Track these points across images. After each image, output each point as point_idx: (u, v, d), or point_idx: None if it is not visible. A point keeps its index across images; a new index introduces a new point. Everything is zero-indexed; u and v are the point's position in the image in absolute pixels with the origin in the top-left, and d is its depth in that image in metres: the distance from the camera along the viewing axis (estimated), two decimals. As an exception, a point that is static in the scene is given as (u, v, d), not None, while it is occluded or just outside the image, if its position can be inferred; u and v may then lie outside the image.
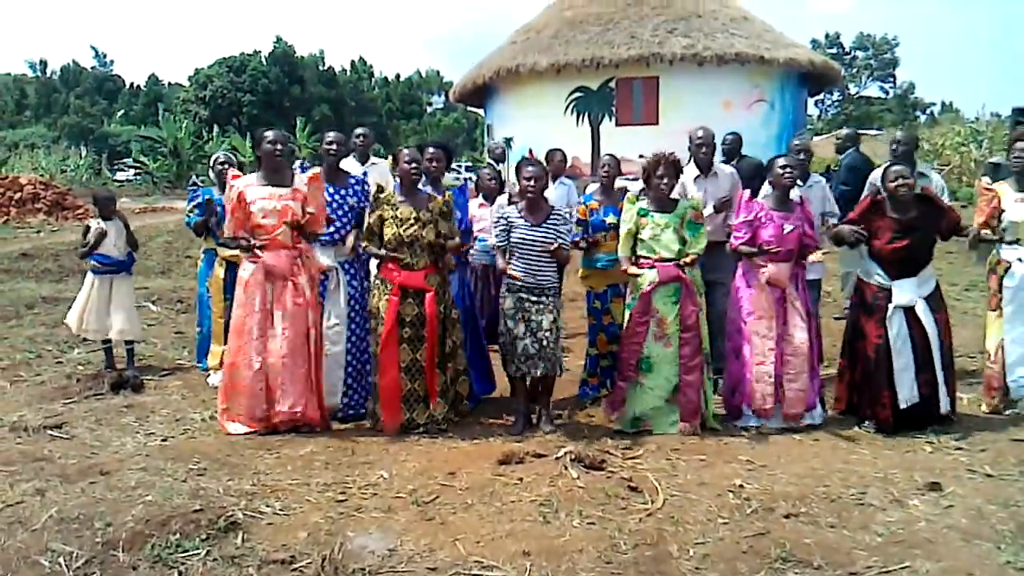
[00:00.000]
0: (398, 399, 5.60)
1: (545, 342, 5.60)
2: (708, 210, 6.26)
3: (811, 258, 5.82)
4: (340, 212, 5.96)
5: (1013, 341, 5.82)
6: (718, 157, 6.75)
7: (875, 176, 7.38)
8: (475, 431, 5.68)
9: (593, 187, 6.71)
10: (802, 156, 6.85)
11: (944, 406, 5.50)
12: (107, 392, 6.54)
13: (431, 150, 6.19)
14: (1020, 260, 5.80)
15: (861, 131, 19.85)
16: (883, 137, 19.94)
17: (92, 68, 69.70)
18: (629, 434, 5.60)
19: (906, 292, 5.49)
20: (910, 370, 5.47)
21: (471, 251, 6.75)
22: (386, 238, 5.54)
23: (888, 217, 5.56)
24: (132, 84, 66.60)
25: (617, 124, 23.29)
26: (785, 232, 5.60)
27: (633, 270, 5.65)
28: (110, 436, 5.49)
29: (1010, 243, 5.86)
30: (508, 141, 24.34)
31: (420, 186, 5.85)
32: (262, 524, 4.06)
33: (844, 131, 9.84)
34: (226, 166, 7.00)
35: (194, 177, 24.70)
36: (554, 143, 9.66)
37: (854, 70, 63.26)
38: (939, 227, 5.63)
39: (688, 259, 5.57)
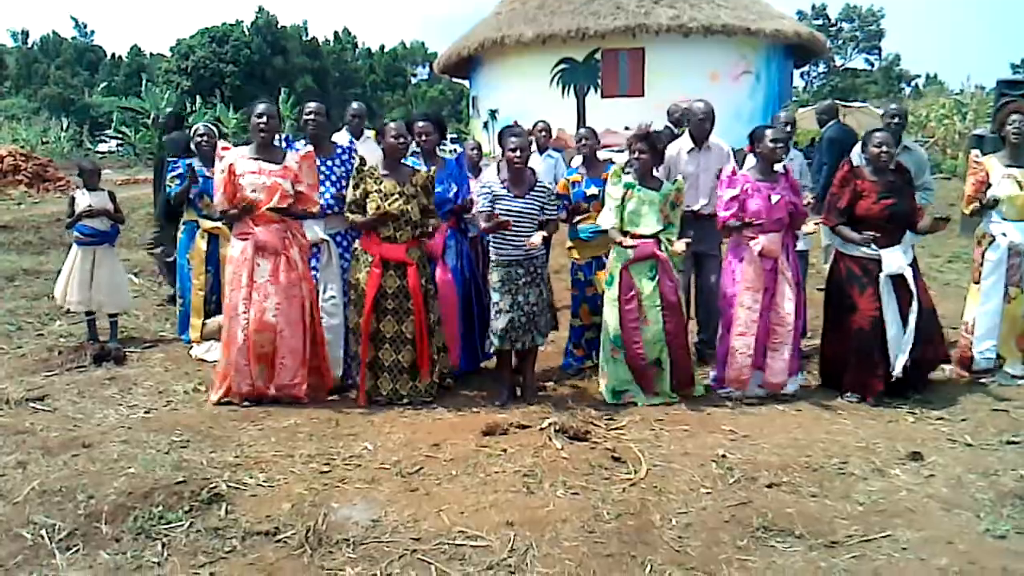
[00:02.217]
0: (365, 378, 5.62)
1: (533, 315, 5.61)
2: (704, 181, 6.29)
3: (804, 229, 5.80)
4: (328, 183, 5.91)
5: (984, 313, 5.87)
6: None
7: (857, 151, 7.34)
8: (459, 402, 5.68)
9: (579, 160, 6.69)
10: (788, 129, 6.85)
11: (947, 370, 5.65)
12: (89, 364, 6.50)
13: (421, 124, 6.11)
14: (1004, 234, 5.83)
15: (846, 103, 19.86)
16: (867, 109, 19.92)
17: (73, 39, 68.83)
18: (613, 405, 5.61)
19: (896, 260, 5.51)
20: (900, 337, 5.50)
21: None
22: (369, 213, 5.50)
23: (869, 180, 5.59)
24: (114, 55, 65.87)
25: (603, 96, 23.18)
26: (773, 202, 5.60)
27: (628, 241, 5.62)
28: (92, 408, 5.47)
29: (993, 205, 5.88)
30: (493, 113, 24.22)
31: (413, 159, 5.82)
32: (245, 496, 4.06)
33: (824, 103, 9.73)
34: (206, 138, 6.97)
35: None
36: (539, 115, 9.63)
37: (840, 42, 63.17)
38: (910, 199, 5.66)
39: (676, 248, 5.57)
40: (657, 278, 5.63)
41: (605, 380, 5.77)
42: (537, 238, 5.47)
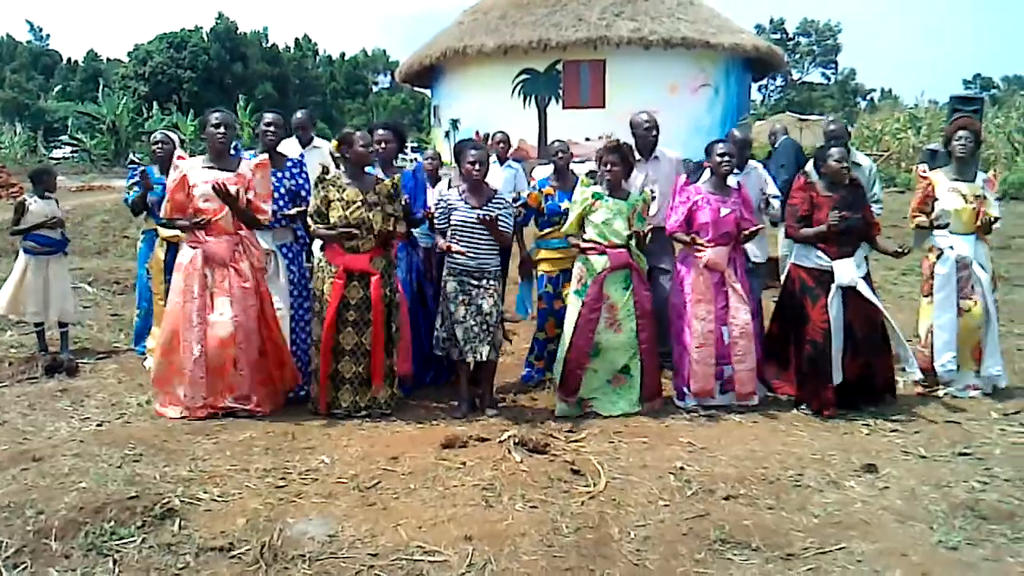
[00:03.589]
0: (327, 382, 5.57)
1: (487, 325, 5.60)
2: (653, 191, 6.34)
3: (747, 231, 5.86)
4: (276, 195, 5.88)
5: (940, 327, 5.96)
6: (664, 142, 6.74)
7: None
8: (418, 415, 5.65)
9: (541, 171, 6.69)
10: (739, 144, 6.95)
11: (912, 367, 5.72)
12: (41, 376, 6.40)
13: (380, 132, 6.10)
14: (952, 247, 5.94)
15: (802, 116, 20.12)
16: (823, 123, 20.32)
17: (28, 42, 67.67)
18: (572, 417, 5.61)
19: (848, 272, 5.58)
20: (840, 351, 5.58)
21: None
22: (332, 221, 5.46)
23: (823, 194, 5.68)
24: (70, 59, 64.78)
25: (564, 107, 23.25)
26: (722, 215, 5.67)
27: (577, 242, 5.67)
28: (43, 421, 5.37)
29: (942, 227, 5.99)
30: (454, 122, 24.20)
31: (371, 168, 5.81)
32: (199, 511, 4.00)
33: (775, 125, 10.18)
34: (161, 145, 6.92)
35: (132, 155, 24.15)
36: (501, 125, 9.63)
37: (797, 56, 64.02)
38: (863, 211, 5.75)
39: (644, 230, 5.66)
40: (632, 287, 5.67)
41: (576, 395, 5.76)
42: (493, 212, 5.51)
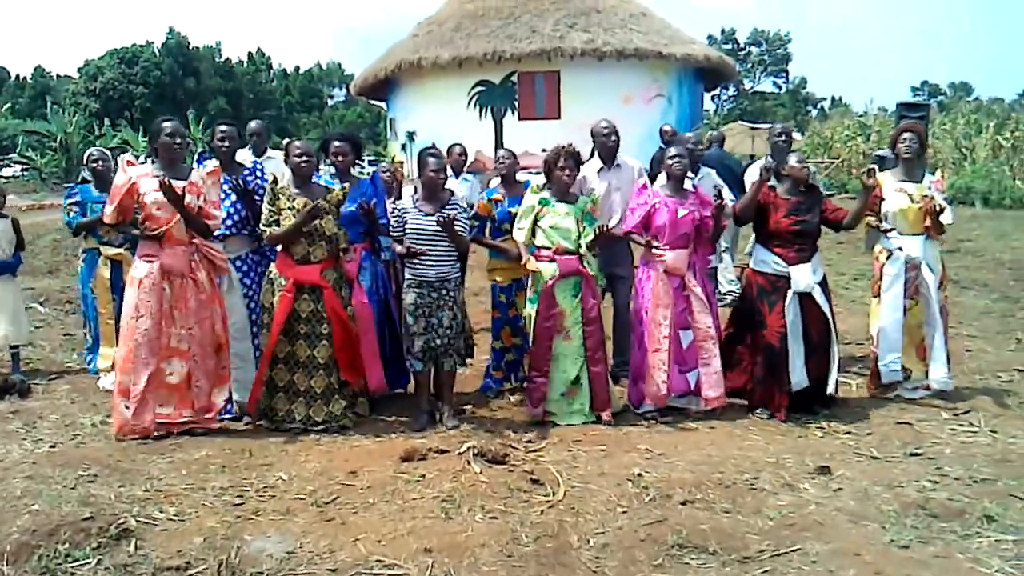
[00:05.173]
0: (258, 393, 5.56)
1: (446, 338, 5.60)
2: (617, 199, 6.38)
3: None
4: (229, 202, 5.85)
5: (886, 327, 6.06)
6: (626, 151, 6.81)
7: (752, 172, 7.60)
8: (377, 428, 5.63)
9: (495, 182, 6.74)
10: (691, 147, 7.07)
11: (831, 387, 5.78)
12: (-9, 398, 6.27)
13: (336, 143, 6.10)
14: (900, 249, 6.05)
15: (754, 125, 20.42)
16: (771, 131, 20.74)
17: (-27, 59, 66.57)
18: (532, 427, 5.63)
19: (805, 277, 5.68)
20: (801, 355, 5.66)
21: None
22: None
23: (782, 197, 5.80)
24: (17, 76, 63.84)
25: (520, 118, 23.38)
26: (679, 216, 5.73)
27: (532, 264, 5.69)
28: (-6, 444, 5.27)
29: (888, 231, 6.10)
30: (411, 135, 24.20)
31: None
32: (156, 531, 3.95)
33: (715, 133, 10.55)
34: (100, 162, 6.90)
35: (83, 173, 23.79)
36: (457, 137, 9.65)
37: (748, 65, 64.82)
38: (822, 212, 5.88)
39: (590, 238, 5.68)
40: (580, 295, 5.70)
41: (543, 405, 5.77)
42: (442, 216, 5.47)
